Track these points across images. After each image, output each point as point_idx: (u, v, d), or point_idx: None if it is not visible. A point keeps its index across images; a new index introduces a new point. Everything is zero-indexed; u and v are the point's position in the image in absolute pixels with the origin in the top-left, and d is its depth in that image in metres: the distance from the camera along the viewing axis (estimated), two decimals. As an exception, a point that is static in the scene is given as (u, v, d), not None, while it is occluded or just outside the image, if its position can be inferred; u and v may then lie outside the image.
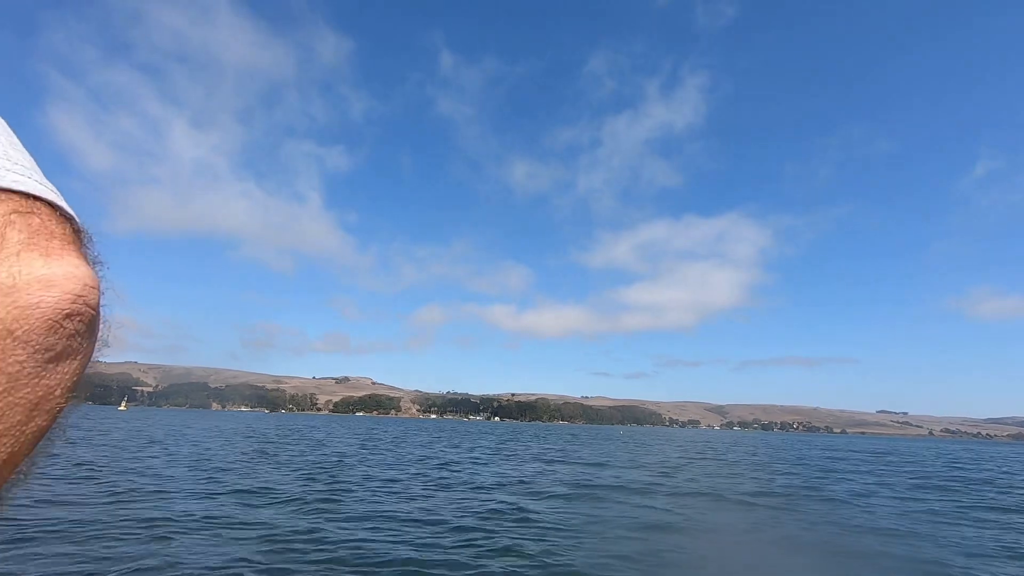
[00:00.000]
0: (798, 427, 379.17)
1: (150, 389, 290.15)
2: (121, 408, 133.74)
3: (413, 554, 5.90)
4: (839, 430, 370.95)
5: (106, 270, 0.43)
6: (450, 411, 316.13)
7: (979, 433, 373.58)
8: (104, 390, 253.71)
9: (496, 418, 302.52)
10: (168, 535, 6.21)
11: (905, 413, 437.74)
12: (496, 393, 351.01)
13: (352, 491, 10.25)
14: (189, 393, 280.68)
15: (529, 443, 37.26)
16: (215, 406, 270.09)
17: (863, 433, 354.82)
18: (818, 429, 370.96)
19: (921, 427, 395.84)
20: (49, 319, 0.41)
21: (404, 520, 7.58)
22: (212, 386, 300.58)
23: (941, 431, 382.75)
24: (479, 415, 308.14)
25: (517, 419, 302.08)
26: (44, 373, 0.41)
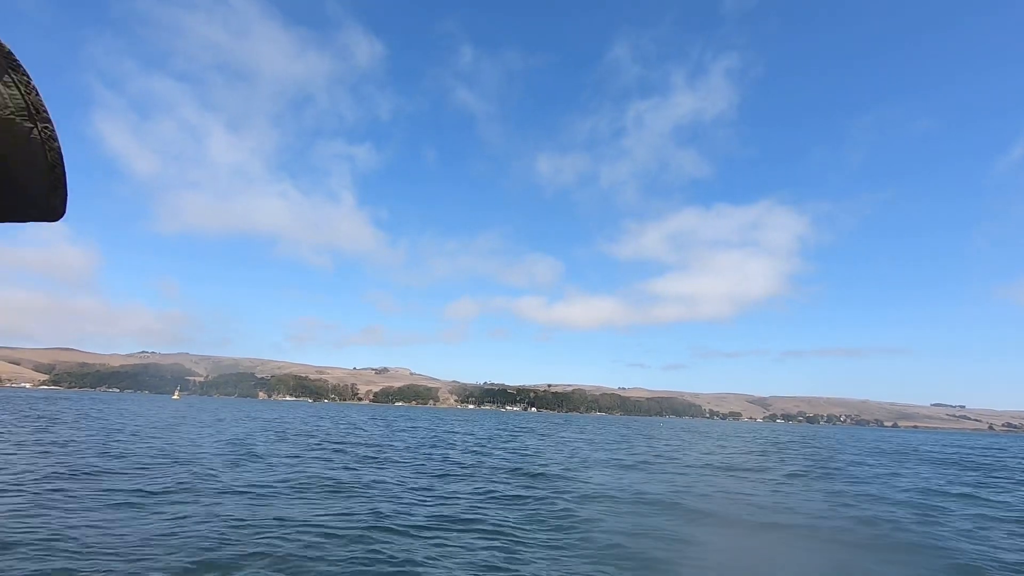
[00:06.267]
0: (845, 420, 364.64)
1: (201, 379, 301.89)
2: (175, 397, 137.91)
3: None
4: (890, 423, 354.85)
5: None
6: (487, 401, 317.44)
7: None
8: (159, 380, 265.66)
9: (533, 408, 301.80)
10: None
11: (963, 406, 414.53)
12: (532, 384, 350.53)
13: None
14: (238, 383, 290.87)
15: (630, 440, 36.15)
16: (261, 395, 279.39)
17: (915, 427, 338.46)
18: (867, 422, 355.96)
19: (979, 421, 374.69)
20: None
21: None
22: (259, 376, 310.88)
23: (1002, 426, 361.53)
24: (516, 406, 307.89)
25: (554, 410, 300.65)
26: None
